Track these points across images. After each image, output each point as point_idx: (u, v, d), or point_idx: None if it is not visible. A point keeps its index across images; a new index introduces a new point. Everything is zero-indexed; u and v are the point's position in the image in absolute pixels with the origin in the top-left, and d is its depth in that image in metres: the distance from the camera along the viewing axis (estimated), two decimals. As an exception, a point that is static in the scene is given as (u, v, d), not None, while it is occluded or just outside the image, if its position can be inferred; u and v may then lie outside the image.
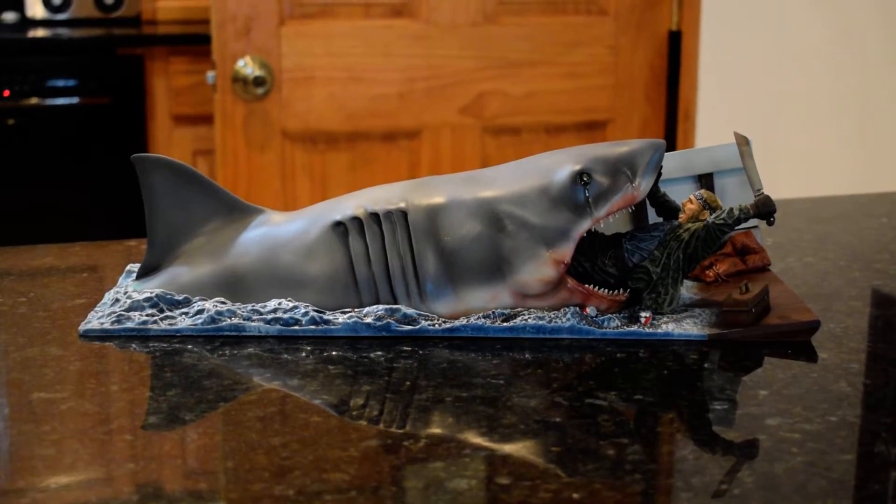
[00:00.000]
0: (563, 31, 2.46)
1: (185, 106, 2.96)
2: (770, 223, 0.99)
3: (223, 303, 1.00)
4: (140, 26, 3.22)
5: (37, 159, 2.94)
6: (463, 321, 0.98)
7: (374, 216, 1.00)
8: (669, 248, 0.98)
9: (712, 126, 2.53)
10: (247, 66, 2.28)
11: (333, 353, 0.95)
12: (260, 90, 2.29)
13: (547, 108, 2.49)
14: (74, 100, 2.94)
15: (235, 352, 0.95)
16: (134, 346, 0.96)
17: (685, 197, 1.01)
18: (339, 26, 2.34)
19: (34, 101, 2.90)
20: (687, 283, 1.07)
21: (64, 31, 3.14)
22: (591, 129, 2.53)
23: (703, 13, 2.50)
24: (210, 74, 2.31)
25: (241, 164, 2.34)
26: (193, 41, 2.91)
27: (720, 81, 2.56)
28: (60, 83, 2.93)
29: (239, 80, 2.28)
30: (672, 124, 2.56)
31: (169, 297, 1.01)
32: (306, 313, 0.98)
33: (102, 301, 1.04)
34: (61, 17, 3.22)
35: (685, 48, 2.52)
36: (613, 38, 2.49)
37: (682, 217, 1.00)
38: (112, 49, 2.97)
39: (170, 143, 2.97)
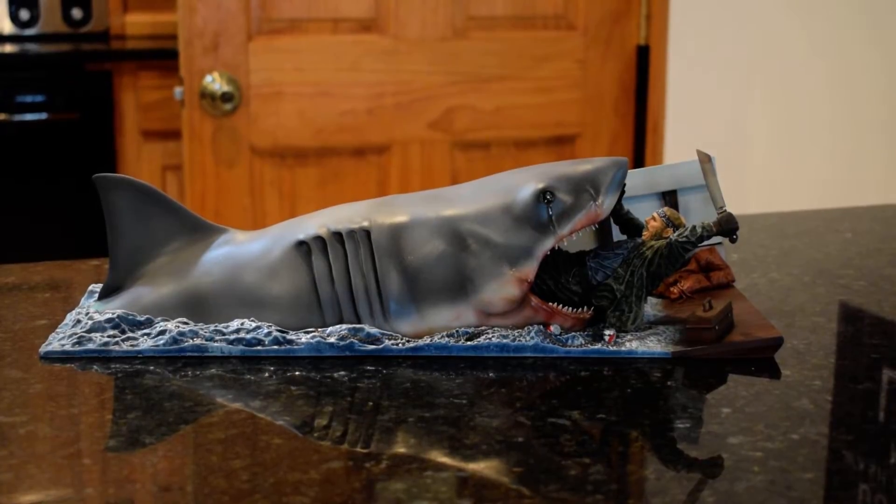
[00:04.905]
0: (531, 46, 2.47)
1: (155, 121, 2.95)
2: (733, 240, 0.99)
3: (185, 323, 0.99)
4: (108, 41, 3.21)
5: (4, 175, 2.92)
6: (426, 340, 0.98)
7: (337, 235, 1.00)
8: (633, 266, 0.98)
9: (681, 139, 2.54)
10: (214, 82, 2.27)
11: (297, 373, 0.94)
12: (228, 106, 2.28)
13: (516, 123, 2.49)
14: (43, 115, 2.92)
15: (198, 373, 0.94)
16: (95, 367, 0.96)
17: (649, 214, 1.01)
18: (308, 42, 2.34)
19: (2, 116, 2.89)
20: (651, 300, 1.07)
21: (32, 47, 3.13)
22: (561, 143, 2.53)
23: (670, 28, 2.52)
24: (178, 90, 2.30)
25: (209, 179, 2.33)
26: (162, 56, 2.90)
27: (688, 95, 2.57)
28: (28, 99, 2.92)
29: (207, 95, 2.28)
30: (641, 138, 2.57)
31: (131, 317, 1.00)
32: (269, 333, 0.98)
33: (64, 322, 1.03)
34: (29, 32, 3.21)
35: (653, 63, 2.53)
36: (582, 53, 2.50)
37: (646, 235, 1.00)
38: (80, 64, 2.95)
39: (139, 159, 2.96)
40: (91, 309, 1.03)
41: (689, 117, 2.57)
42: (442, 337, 0.98)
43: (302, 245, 1.00)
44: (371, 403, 0.90)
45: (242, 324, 0.98)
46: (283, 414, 0.87)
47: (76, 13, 3.21)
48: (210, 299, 1.00)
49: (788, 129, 2.64)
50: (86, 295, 1.10)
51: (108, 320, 0.99)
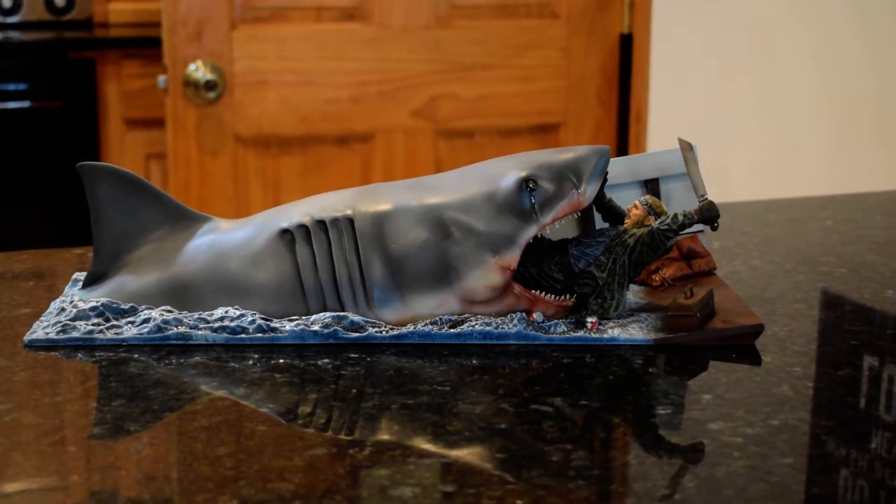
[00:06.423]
0: (515, 35, 2.47)
1: (138, 109, 2.94)
2: (714, 228, 1.00)
3: (170, 311, 0.99)
4: (92, 29, 3.20)
5: (-13, 164, 2.92)
6: (410, 328, 0.98)
7: (321, 223, 1.00)
8: (615, 254, 0.99)
9: (664, 128, 2.55)
10: (198, 70, 2.27)
11: (281, 360, 0.95)
12: (212, 94, 2.28)
13: (500, 112, 2.50)
14: (25, 104, 2.92)
15: (182, 361, 0.95)
16: (80, 355, 0.96)
17: (631, 202, 1.02)
18: (291, 30, 2.34)
19: (-16, 105, 2.88)
20: (633, 287, 1.08)
21: (14, 35, 3.12)
22: (544, 132, 2.54)
23: (654, 16, 2.52)
24: (161, 78, 2.30)
25: (193, 168, 2.33)
26: (146, 44, 2.90)
27: (671, 84, 2.57)
28: (11, 87, 2.91)
29: (190, 84, 2.27)
30: (624, 126, 2.57)
31: (115, 305, 1.00)
32: (253, 321, 0.98)
33: (48, 310, 1.03)
34: (12, 20, 3.20)
35: (636, 51, 2.53)
36: (565, 42, 2.50)
37: (628, 222, 1.01)
38: (63, 52, 2.95)
39: (122, 148, 2.96)
40: (75, 297, 1.03)
41: (673, 106, 2.58)
42: (425, 324, 0.98)
43: (286, 233, 1.00)
44: (355, 391, 0.90)
45: (226, 312, 0.99)
46: (267, 401, 0.87)
47: (59, 1, 3.20)
48: (194, 287, 1.01)
49: (771, 117, 2.65)
50: (70, 283, 1.10)
51: (93, 308, 1.00)
